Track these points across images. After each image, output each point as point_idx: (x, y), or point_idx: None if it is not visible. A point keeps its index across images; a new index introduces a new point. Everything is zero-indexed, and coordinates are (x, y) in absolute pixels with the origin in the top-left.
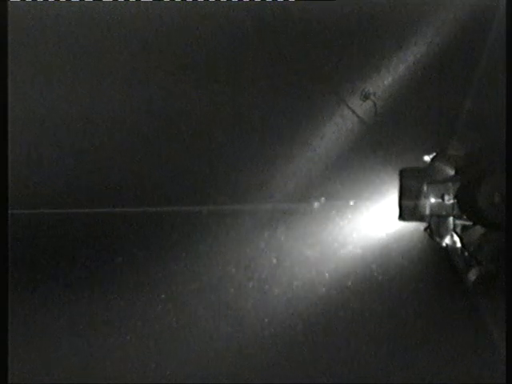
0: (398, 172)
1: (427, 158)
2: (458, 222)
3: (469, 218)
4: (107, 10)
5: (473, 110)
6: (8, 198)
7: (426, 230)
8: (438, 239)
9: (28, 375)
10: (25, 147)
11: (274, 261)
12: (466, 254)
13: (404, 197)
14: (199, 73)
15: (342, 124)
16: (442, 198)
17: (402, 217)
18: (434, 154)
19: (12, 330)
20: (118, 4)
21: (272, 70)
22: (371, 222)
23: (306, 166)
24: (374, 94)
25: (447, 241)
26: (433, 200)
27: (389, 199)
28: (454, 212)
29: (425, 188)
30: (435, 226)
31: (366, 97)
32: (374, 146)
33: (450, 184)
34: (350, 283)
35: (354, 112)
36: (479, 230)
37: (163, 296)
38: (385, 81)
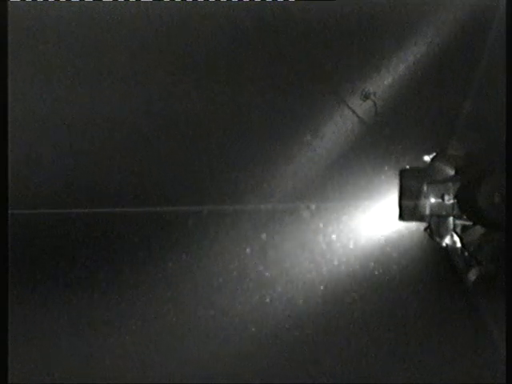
0: (397, 172)
1: (427, 158)
2: (458, 221)
3: (469, 218)
4: (107, 9)
5: (473, 110)
6: (8, 197)
7: (426, 229)
8: (438, 239)
9: (28, 375)
10: (25, 147)
11: (274, 261)
12: (466, 254)
13: (404, 197)
14: (199, 73)
15: (341, 124)
16: (442, 198)
17: (401, 217)
18: (434, 154)
19: (12, 330)
20: (117, 4)
21: (272, 70)
22: (371, 222)
23: (306, 166)
24: (374, 94)
25: (447, 241)
26: (433, 200)
27: (389, 199)
28: (454, 212)
29: (425, 188)
30: (435, 226)
31: (366, 97)
32: (373, 146)
33: (450, 184)
34: (349, 283)
35: (354, 112)
36: (479, 229)
37: (163, 296)
38: (385, 81)
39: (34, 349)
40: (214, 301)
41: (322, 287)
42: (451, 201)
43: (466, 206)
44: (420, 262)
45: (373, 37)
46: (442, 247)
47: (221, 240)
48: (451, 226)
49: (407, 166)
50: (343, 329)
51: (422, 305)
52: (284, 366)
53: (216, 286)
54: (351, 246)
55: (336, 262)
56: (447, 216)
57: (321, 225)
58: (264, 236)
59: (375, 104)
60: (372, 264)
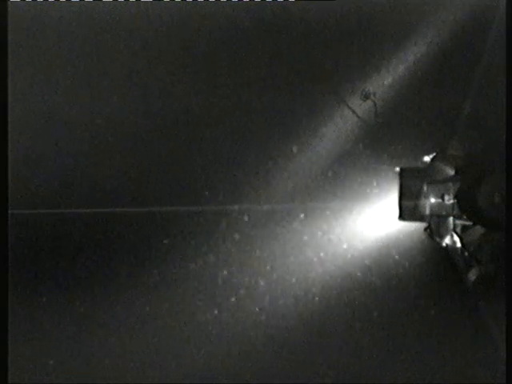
0: (397, 172)
1: (427, 158)
2: (458, 221)
3: (469, 218)
4: (107, 9)
5: (473, 110)
6: (8, 197)
7: (426, 229)
8: (438, 239)
9: (28, 375)
10: (25, 147)
11: (273, 261)
12: (466, 254)
13: (404, 197)
14: (199, 73)
15: (341, 124)
16: (442, 198)
17: (402, 217)
18: (434, 154)
19: (12, 330)
20: (117, 4)
21: (272, 70)
22: (371, 222)
23: (306, 166)
24: (374, 94)
25: (447, 241)
26: (433, 200)
27: (388, 199)
28: (454, 212)
29: (425, 188)
30: (435, 226)
31: (366, 97)
32: (373, 146)
33: (450, 184)
34: (349, 283)
35: (354, 112)
36: (479, 229)
37: (163, 296)
38: (385, 81)
39: (34, 349)
40: (214, 301)
41: (321, 287)
42: (451, 201)
43: (465, 206)
44: (420, 262)
45: (373, 37)
46: (441, 247)
47: (221, 240)
48: (451, 226)
49: (407, 166)
50: (343, 329)
51: (421, 305)
52: (284, 365)
53: (216, 285)
54: (351, 246)
55: (336, 262)
56: (447, 216)
57: (321, 225)
58: (263, 236)
59: (375, 104)
60: (372, 264)
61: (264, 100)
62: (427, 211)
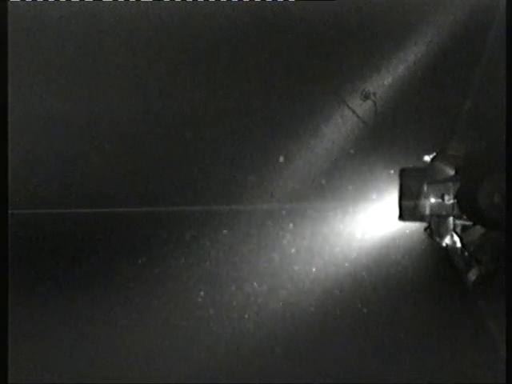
0: (397, 172)
1: (427, 158)
2: (458, 221)
3: (469, 218)
4: (107, 9)
5: (473, 109)
6: (8, 197)
7: (426, 229)
8: (438, 239)
9: (28, 375)
10: (25, 147)
11: (273, 261)
12: (466, 254)
13: (404, 197)
14: (199, 73)
15: (342, 124)
16: (442, 198)
17: (401, 217)
18: (434, 154)
19: (12, 330)
20: (117, 4)
21: (272, 70)
22: (371, 222)
23: (306, 166)
24: (374, 94)
25: (447, 241)
26: (433, 200)
27: (388, 199)
28: (454, 212)
29: (425, 188)
30: (435, 226)
31: (366, 97)
32: (373, 146)
33: (450, 184)
34: (349, 283)
35: (354, 112)
36: (479, 229)
37: (163, 296)
38: (385, 81)
39: (34, 349)
40: (215, 300)
41: (321, 287)
42: (451, 201)
43: (466, 205)
44: (420, 262)
45: (373, 37)
46: (441, 247)
47: (221, 240)
48: (451, 226)
49: (407, 166)
50: (342, 329)
51: (421, 305)
52: (283, 365)
53: (217, 285)
54: (351, 246)
55: (336, 262)
56: (447, 216)
57: (320, 225)
58: (263, 236)
59: (375, 104)
60: (371, 264)
61: (264, 100)
62: (427, 211)
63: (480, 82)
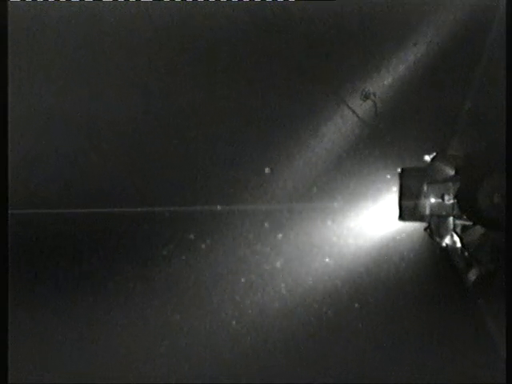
0: (397, 172)
1: (427, 158)
2: (458, 221)
3: (469, 218)
4: (107, 9)
5: (473, 109)
6: (8, 197)
7: (426, 229)
8: (438, 239)
9: (28, 375)
10: (25, 147)
11: (273, 261)
12: (466, 254)
13: (404, 197)
14: (199, 73)
15: (342, 124)
16: (442, 198)
17: (401, 217)
18: (434, 154)
19: (12, 330)
20: (117, 4)
21: (272, 70)
22: (371, 222)
23: (306, 166)
24: (374, 94)
25: (447, 241)
26: (433, 200)
27: (388, 199)
28: (454, 212)
29: (425, 188)
30: (435, 226)
31: (366, 97)
32: (373, 146)
33: (450, 184)
34: (348, 283)
35: (354, 112)
36: (479, 229)
37: (163, 295)
38: (385, 81)
39: (34, 348)
40: (215, 300)
41: (320, 287)
42: (451, 201)
43: (465, 205)
44: (420, 262)
45: (373, 37)
46: (442, 247)
47: (221, 240)
48: (451, 226)
49: (407, 166)
50: (342, 329)
51: (421, 305)
52: (283, 365)
53: (217, 285)
54: (351, 246)
55: (335, 262)
56: (447, 216)
57: (320, 225)
58: (263, 236)
59: (375, 104)
60: (371, 264)
61: (264, 100)
62: (427, 211)
63: (480, 82)
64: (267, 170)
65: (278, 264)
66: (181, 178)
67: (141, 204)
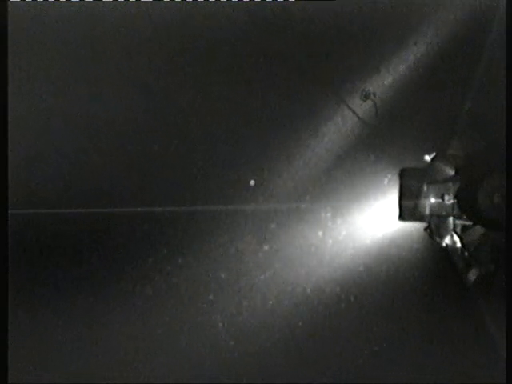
0: (397, 172)
1: (427, 158)
2: (458, 221)
3: (469, 218)
4: (107, 9)
5: (473, 109)
6: (8, 197)
7: (426, 229)
8: (438, 239)
9: (28, 375)
10: (25, 147)
11: (273, 261)
12: (466, 254)
13: (404, 197)
14: (199, 73)
15: (342, 124)
16: (442, 198)
17: (401, 217)
18: (434, 154)
19: (12, 330)
20: (117, 4)
21: (272, 70)
22: (371, 222)
23: (306, 166)
24: (374, 94)
25: (447, 241)
26: (433, 200)
27: (388, 199)
28: (454, 212)
29: (425, 188)
30: (435, 226)
31: (366, 97)
32: (373, 146)
33: (450, 184)
34: (348, 283)
35: (354, 112)
36: (479, 229)
37: (163, 295)
38: (385, 81)
39: (34, 349)
40: (215, 300)
41: (319, 287)
42: (451, 201)
43: (466, 206)
44: (420, 262)
45: (373, 37)
46: (442, 247)
47: (221, 240)
48: (451, 226)
49: (407, 166)
50: (342, 329)
51: (421, 305)
52: (282, 365)
53: (217, 284)
54: (351, 246)
55: (335, 262)
56: (447, 216)
57: (320, 225)
58: (264, 236)
59: (375, 104)
60: (371, 264)
61: (264, 100)
62: (427, 211)
63: (480, 82)
64: (252, 183)
65: (277, 264)
66: (181, 177)
67: (141, 204)
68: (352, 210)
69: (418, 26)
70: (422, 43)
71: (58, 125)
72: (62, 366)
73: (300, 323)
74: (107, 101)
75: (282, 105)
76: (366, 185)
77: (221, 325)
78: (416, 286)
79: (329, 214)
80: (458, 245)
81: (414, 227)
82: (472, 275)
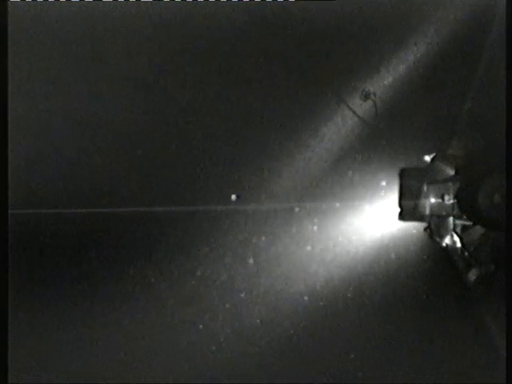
0: (397, 172)
1: (427, 158)
2: (458, 221)
3: (469, 218)
4: (107, 9)
5: (473, 109)
6: (8, 197)
7: (426, 229)
8: (438, 239)
9: (28, 375)
10: (25, 147)
11: (273, 260)
12: (466, 254)
13: (404, 197)
14: (198, 73)
15: (342, 124)
16: (442, 198)
17: (402, 217)
18: (434, 154)
19: (12, 330)
20: (117, 4)
21: (272, 70)
22: (371, 222)
23: (306, 166)
24: (374, 94)
25: (447, 241)
26: (433, 200)
27: (388, 199)
28: (454, 212)
29: (425, 188)
30: (435, 226)
31: (366, 97)
32: (374, 146)
33: (450, 184)
34: (348, 283)
35: (354, 112)
36: (479, 229)
37: (163, 296)
38: (385, 81)
39: (34, 349)
40: (215, 301)
41: (319, 287)
42: (451, 201)
43: (466, 205)
44: (420, 262)
45: (373, 37)
46: (442, 247)
47: (221, 240)
48: (451, 226)
49: (407, 166)
50: (342, 329)
51: (421, 304)
52: (283, 365)
53: (217, 285)
54: (351, 246)
55: (335, 262)
56: (447, 216)
57: (320, 225)
58: (264, 236)
59: (375, 104)
60: (371, 264)
61: (264, 100)
62: (427, 211)
63: (480, 82)
64: (233, 197)
65: (279, 264)
66: (181, 177)
67: (141, 204)
68: (352, 209)
69: (418, 25)
70: (422, 43)
71: (58, 125)
72: (62, 365)
73: (300, 323)
74: (107, 101)
75: (282, 105)
76: (366, 185)
77: (221, 325)
78: (416, 286)
79: (328, 215)
80: (458, 245)
81: (414, 227)
82: (472, 275)
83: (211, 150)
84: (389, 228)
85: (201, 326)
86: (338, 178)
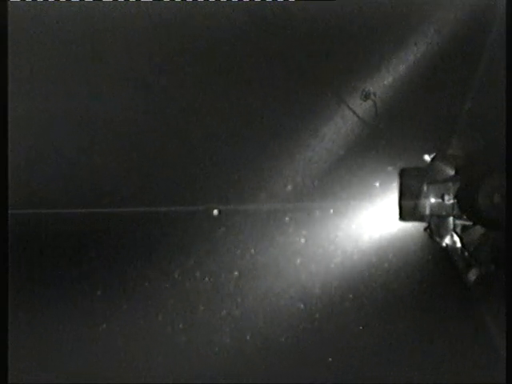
0: (397, 172)
1: (427, 158)
2: (458, 221)
3: (469, 218)
4: (107, 9)
5: (473, 109)
6: (8, 197)
7: (426, 229)
8: (438, 239)
9: (28, 375)
10: (25, 147)
11: (273, 260)
12: (466, 254)
13: (404, 197)
14: (198, 73)
15: (342, 124)
16: (442, 198)
17: (402, 217)
18: (434, 154)
19: (12, 330)
20: (117, 4)
21: (272, 70)
22: (371, 222)
23: (306, 166)
24: (374, 94)
25: (447, 241)
26: (433, 200)
27: (388, 199)
28: (454, 212)
29: (425, 188)
30: (435, 226)
31: (366, 97)
32: (374, 146)
33: (450, 184)
34: (348, 283)
35: (354, 112)
36: (479, 229)
37: (164, 296)
38: (385, 81)
39: (34, 349)
40: (215, 301)
41: (319, 287)
42: (451, 201)
43: (465, 206)
44: (420, 262)
45: (373, 37)
46: (442, 247)
47: (221, 240)
48: (451, 226)
49: (407, 166)
50: (341, 329)
51: (421, 304)
52: (283, 365)
53: (217, 285)
54: (351, 246)
55: (335, 262)
56: (447, 216)
57: (320, 225)
58: (264, 236)
59: (375, 104)
60: (371, 264)
61: (264, 100)
62: (427, 211)
63: (480, 82)
64: (215, 212)
65: (279, 264)
66: (181, 177)
67: (141, 204)
68: (352, 209)
69: (418, 25)
70: (422, 43)
71: (59, 125)
72: (62, 365)
73: (300, 324)
74: (107, 101)
75: (282, 105)
76: (366, 185)
77: (221, 324)
78: (416, 286)
79: (329, 214)
80: (458, 245)
81: (414, 227)
82: (472, 275)
83: (211, 150)
84: (389, 228)
85: (200, 326)
86: (338, 177)
